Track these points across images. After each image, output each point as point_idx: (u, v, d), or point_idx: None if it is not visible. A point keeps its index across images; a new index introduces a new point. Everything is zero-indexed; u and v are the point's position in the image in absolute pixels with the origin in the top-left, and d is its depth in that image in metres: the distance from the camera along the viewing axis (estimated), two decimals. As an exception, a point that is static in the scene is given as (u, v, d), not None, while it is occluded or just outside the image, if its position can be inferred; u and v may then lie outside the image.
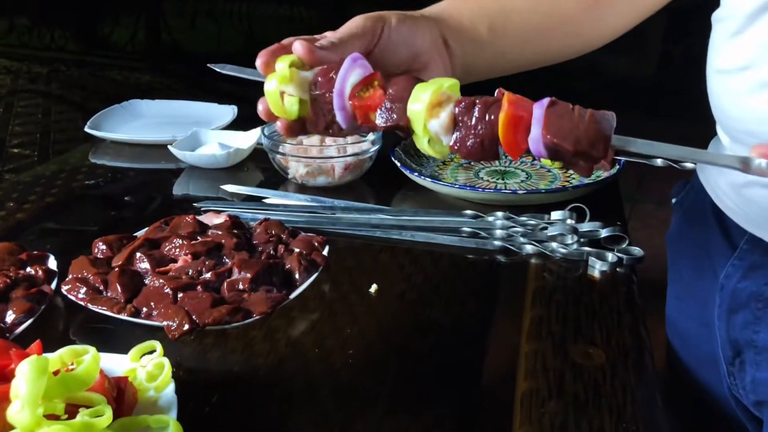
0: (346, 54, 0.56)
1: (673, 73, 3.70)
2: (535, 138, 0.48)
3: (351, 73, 0.55)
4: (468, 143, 0.50)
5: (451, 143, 0.51)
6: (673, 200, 0.84)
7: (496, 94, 0.51)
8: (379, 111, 0.54)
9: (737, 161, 0.44)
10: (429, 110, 0.51)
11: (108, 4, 5.20)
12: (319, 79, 0.55)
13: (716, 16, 0.68)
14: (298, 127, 0.58)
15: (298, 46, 0.57)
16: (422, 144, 0.53)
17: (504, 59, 0.72)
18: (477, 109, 0.50)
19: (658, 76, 3.77)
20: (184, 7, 5.05)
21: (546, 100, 0.48)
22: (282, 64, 0.56)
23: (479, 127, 0.50)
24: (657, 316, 0.93)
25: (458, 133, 0.51)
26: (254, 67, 0.59)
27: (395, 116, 0.53)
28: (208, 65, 0.66)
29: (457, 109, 0.51)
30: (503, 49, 0.71)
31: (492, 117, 0.49)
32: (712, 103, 0.68)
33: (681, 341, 0.80)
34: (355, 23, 0.61)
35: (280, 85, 0.56)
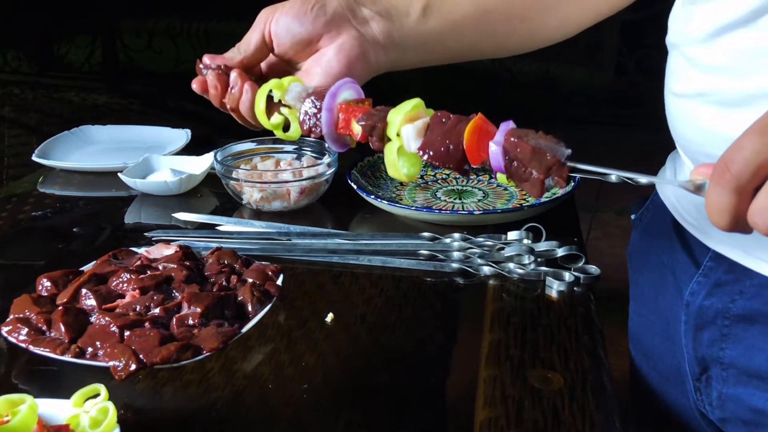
0: (248, 55, 0.70)
1: (628, 84, 3.78)
2: (497, 141, 0.53)
3: (344, 89, 0.63)
4: (434, 145, 0.55)
5: (419, 146, 0.56)
6: (633, 216, 0.84)
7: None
8: (361, 115, 0.60)
9: (691, 184, 0.45)
10: (406, 119, 0.57)
11: (63, 24, 5.12)
12: (314, 90, 0.64)
13: (668, 41, 0.68)
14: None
15: (205, 57, 0.70)
16: (392, 153, 0.59)
17: (443, 41, 0.73)
18: (449, 120, 0.56)
19: (614, 87, 3.84)
20: (140, 26, 4.99)
21: (511, 122, 0.54)
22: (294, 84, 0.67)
23: (447, 134, 0.55)
24: (619, 327, 0.93)
25: (427, 137, 0.56)
26: None
27: (375, 118, 0.59)
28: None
29: (431, 119, 0.57)
30: (440, 30, 0.71)
31: (460, 126, 0.55)
32: (670, 124, 0.69)
33: (644, 356, 0.80)
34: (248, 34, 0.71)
35: (276, 92, 0.66)
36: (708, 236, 0.65)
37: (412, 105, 0.58)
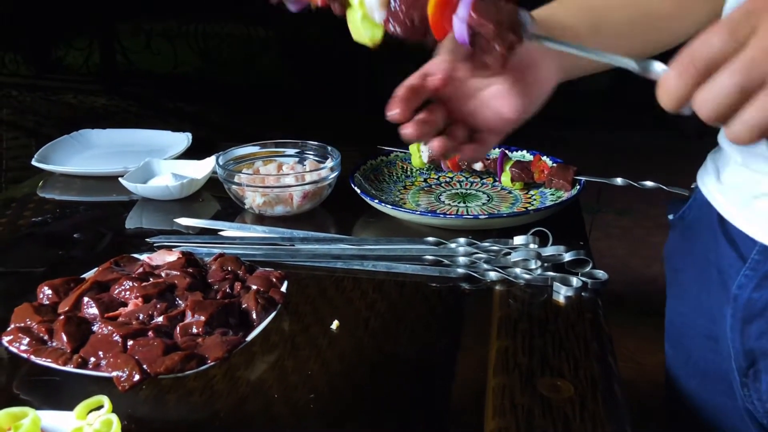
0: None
1: (629, 84, 3.77)
2: (461, 16, 0.53)
3: None
4: (399, 18, 0.55)
5: (383, 18, 0.55)
6: (670, 216, 0.84)
7: None
8: None
9: (635, 64, 0.48)
10: None
11: (61, 26, 5.11)
12: None
13: None
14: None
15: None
16: (355, 20, 0.57)
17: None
18: None
19: (616, 88, 3.83)
20: (138, 28, 4.98)
21: None
22: None
23: (412, 5, 0.54)
24: (621, 329, 0.92)
25: (391, 8, 0.55)
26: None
27: None
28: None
29: None
30: (600, 46, 0.72)
31: None
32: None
33: (685, 357, 0.79)
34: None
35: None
36: (756, 229, 0.65)
37: None
